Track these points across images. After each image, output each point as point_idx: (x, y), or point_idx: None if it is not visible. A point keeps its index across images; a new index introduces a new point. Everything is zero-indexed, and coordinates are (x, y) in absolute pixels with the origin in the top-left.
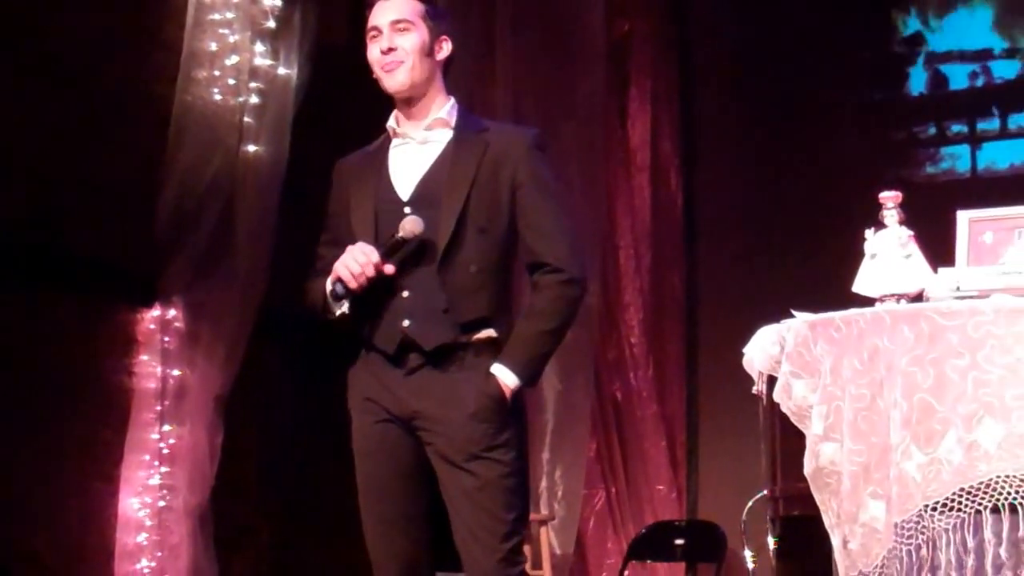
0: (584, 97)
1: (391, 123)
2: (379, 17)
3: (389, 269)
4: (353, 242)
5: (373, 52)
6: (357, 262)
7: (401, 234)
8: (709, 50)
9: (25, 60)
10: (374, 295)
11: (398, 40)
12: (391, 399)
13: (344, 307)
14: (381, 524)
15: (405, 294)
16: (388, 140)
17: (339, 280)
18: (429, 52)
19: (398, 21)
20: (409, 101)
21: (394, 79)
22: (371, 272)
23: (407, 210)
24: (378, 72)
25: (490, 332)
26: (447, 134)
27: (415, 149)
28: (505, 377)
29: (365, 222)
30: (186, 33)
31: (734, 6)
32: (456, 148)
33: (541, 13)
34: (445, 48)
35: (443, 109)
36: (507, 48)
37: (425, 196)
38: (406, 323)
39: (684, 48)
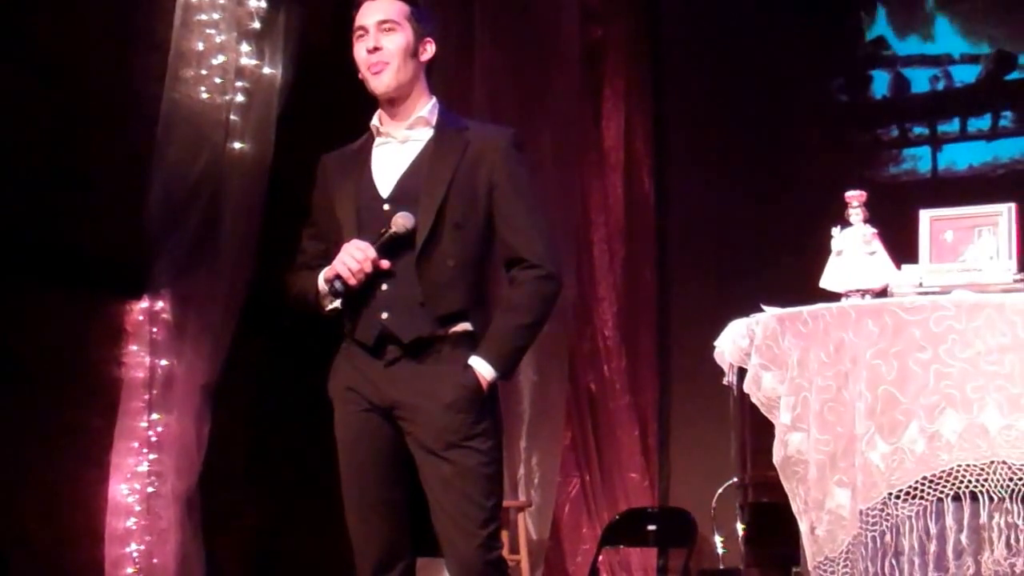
0: (559, 98)
1: (375, 122)
2: (365, 17)
3: (384, 264)
4: (338, 237)
5: (359, 52)
6: (355, 259)
7: (394, 229)
8: (680, 54)
9: (16, 58)
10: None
11: (384, 40)
12: (371, 389)
13: (337, 303)
14: (362, 510)
15: (384, 287)
16: (371, 138)
17: (338, 277)
18: (414, 53)
19: (384, 21)
20: (393, 101)
21: (380, 81)
22: (369, 268)
23: (386, 207)
24: (364, 72)
25: (466, 325)
26: (428, 133)
27: (397, 148)
28: (482, 369)
29: (348, 218)
30: (174, 33)
31: (704, 11)
32: (436, 146)
33: (518, 18)
34: (429, 49)
35: (425, 108)
36: (485, 52)
37: (404, 193)
38: (384, 315)
39: (656, 51)
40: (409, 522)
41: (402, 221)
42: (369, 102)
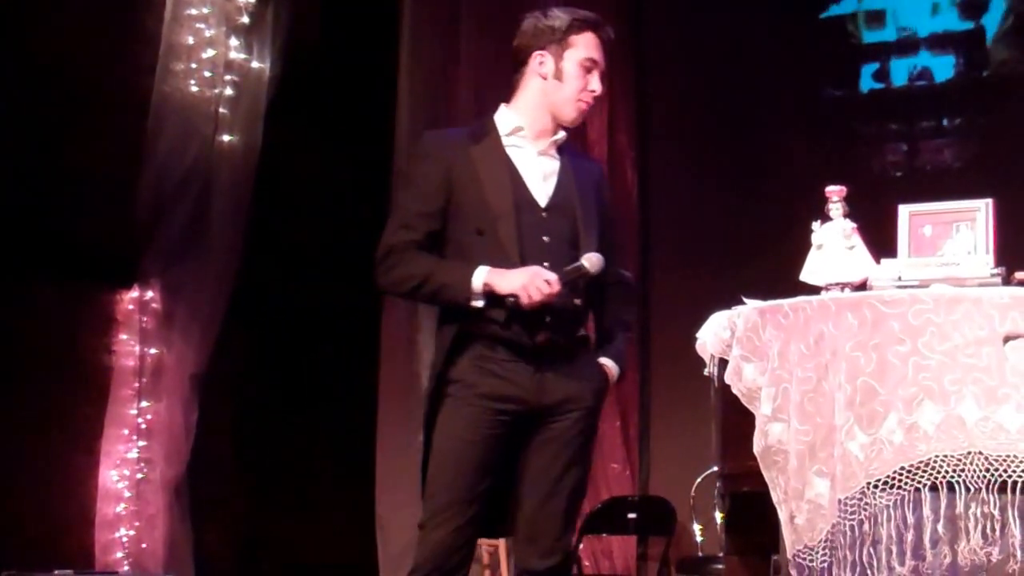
0: None
1: (515, 121)
2: (602, 57)
3: (560, 294)
4: (484, 226)
5: (580, 79)
6: (541, 292)
7: (589, 269)
8: (663, 48)
9: (7, 51)
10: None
11: (600, 87)
12: (515, 393)
13: (482, 302)
14: (457, 505)
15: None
16: (496, 138)
17: (514, 296)
18: None
19: (605, 73)
20: (560, 126)
21: (581, 116)
22: (549, 301)
23: (544, 215)
24: (572, 92)
25: (584, 331)
26: (555, 153)
27: (536, 158)
28: (613, 369)
29: (506, 215)
30: (164, 27)
31: (687, 5)
32: (573, 167)
33: (504, 11)
34: None
35: (561, 134)
36: (472, 49)
37: (558, 206)
38: (548, 319)
39: (639, 47)
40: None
41: (596, 262)
42: (356, 97)
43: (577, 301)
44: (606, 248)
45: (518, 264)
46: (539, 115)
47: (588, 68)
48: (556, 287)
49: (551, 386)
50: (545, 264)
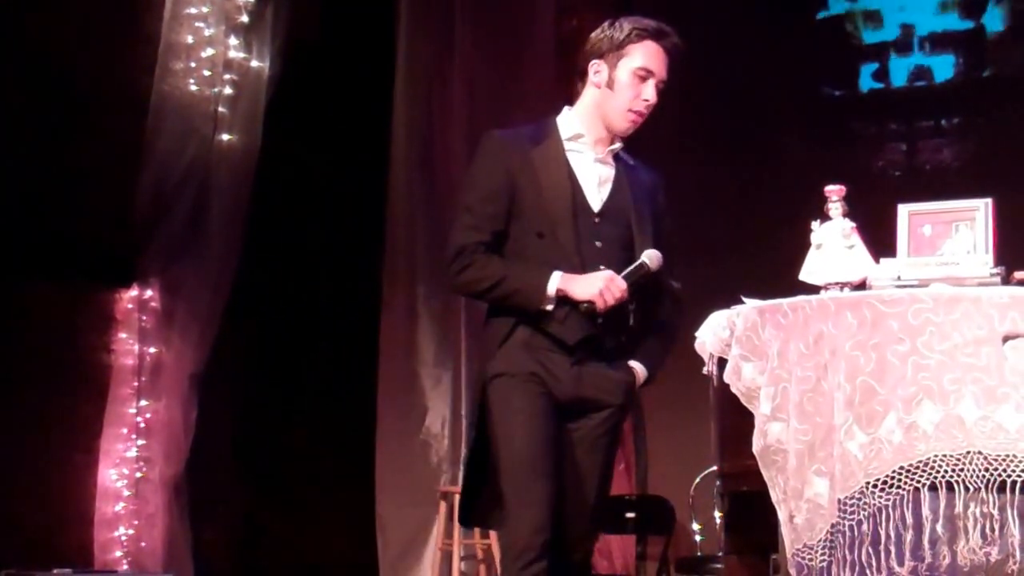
0: (535, 89)
1: (575, 127)
2: (660, 67)
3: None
4: (543, 228)
5: (634, 87)
6: (614, 296)
7: (648, 264)
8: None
9: (6, 50)
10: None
11: (655, 96)
12: (554, 382)
13: (552, 305)
14: (542, 474)
15: None
16: (558, 140)
17: (592, 303)
18: None
19: (664, 81)
20: (617, 136)
21: (634, 126)
22: (620, 301)
23: (597, 220)
24: (624, 101)
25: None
26: (611, 162)
27: (594, 164)
28: (640, 371)
29: (564, 220)
30: (164, 26)
31: (685, 6)
32: (628, 176)
33: (496, 11)
34: None
35: (618, 144)
36: (468, 50)
37: (612, 212)
38: (600, 320)
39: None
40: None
41: (655, 258)
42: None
43: (632, 306)
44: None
45: (579, 268)
46: (595, 123)
47: (643, 77)
48: (624, 292)
49: (586, 382)
50: (600, 267)
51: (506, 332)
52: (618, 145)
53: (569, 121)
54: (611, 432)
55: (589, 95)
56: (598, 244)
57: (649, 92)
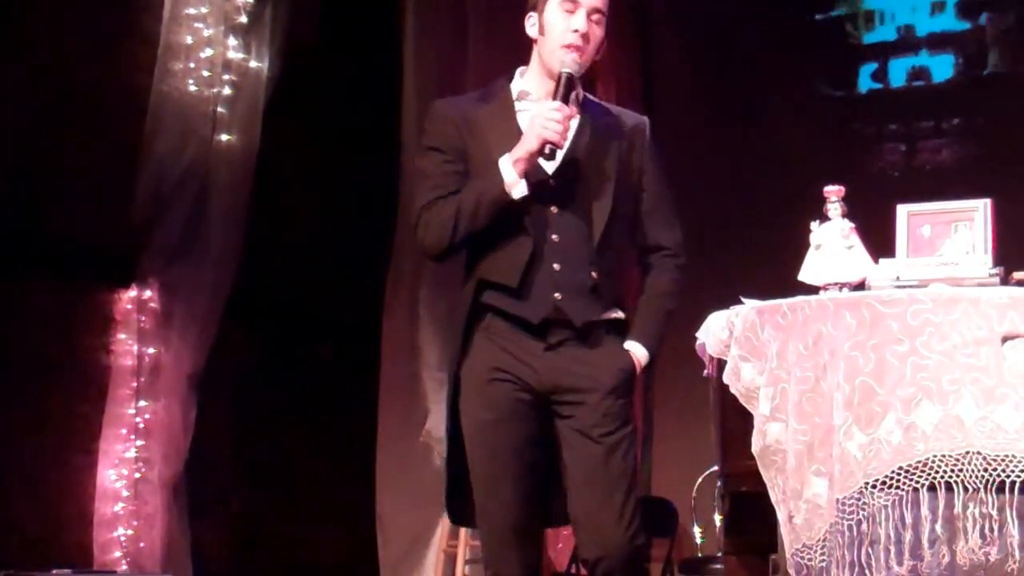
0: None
1: (522, 85)
2: None
3: (571, 111)
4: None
5: (560, 21)
6: (555, 120)
7: (569, 71)
8: (669, 48)
9: (7, 50)
10: (523, 266)
11: (591, 29)
12: (528, 372)
13: (525, 188)
14: (496, 489)
15: (556, 267)
16: (507, 99)
17: (547, 143)
18: (598, 49)
19: (598, 10)
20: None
21: (571, 60)
22: (566, 123)
23: (552, 183)
24: (555, 39)
25: (619, 312)
26: (575, 111)
27: None
28: (639, 353)
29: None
30: (163, 27)
31: (686, 9)
32: (591, 127)
33: (511, 15)
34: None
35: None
36: (480, 48)
37: (570, 171)
38: (558, 296)
39: (646, 45)
40: (540, 497)
41: (569, 62)
42: (356, 98)
43: (594, 274)
44: (627, 211)
45: (530, 229)
46: (542, 77)
47: (570, 11)
48: (565, 110)
49: (564, 368)
50: (554, 238)
51: (468, 322)
52: (576, 94)
53: (517, 81)
54: (611, 419)
55: (533, 51)
56: (553, 210)
57: (577, 21)
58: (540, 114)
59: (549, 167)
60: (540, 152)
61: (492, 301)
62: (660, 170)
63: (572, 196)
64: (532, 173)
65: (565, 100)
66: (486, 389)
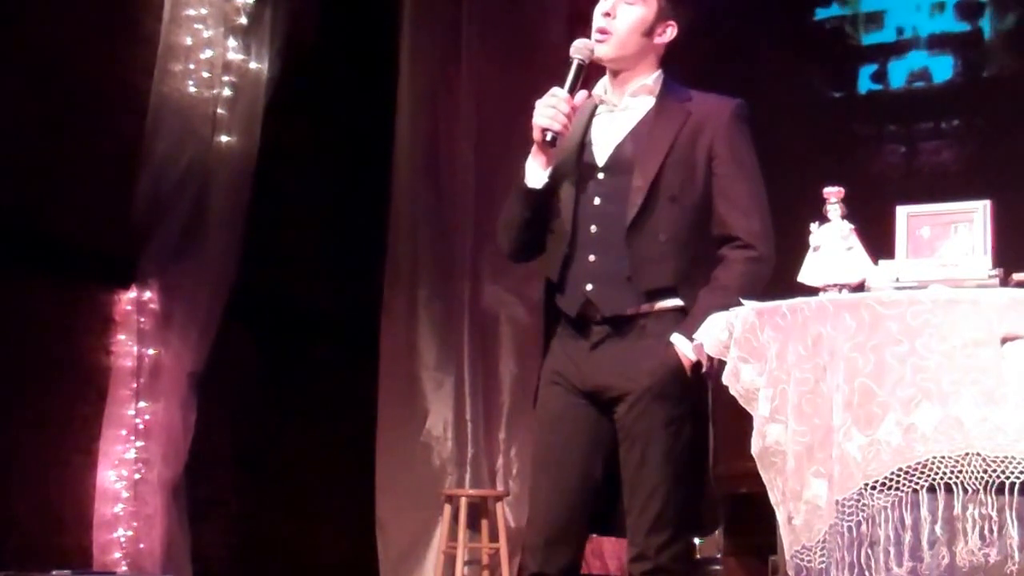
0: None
1: (598, 90)
2: None
3: (579, 98)
4: (558, 200)
5: (597, 10)
6: (550, 106)
7: (579, 57)
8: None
9: (7, 50)
10: (562, 259)
11: (620, 10)
12: (576, 373)
13: (546, 176)
14: (550, 491)
15: (591, 258)
16: (594, 106)
17: (545, 130)
18: (648, 32)
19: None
20: (614, 72)
21: (600, 49)
22: (565, 108)
23: (601, 175)
24: (594, 32)
25: (676, 301)
26: (649, 101)
27: (617, 115)
28: (685, 348)
29: (566, 188)
30: (163, 28)
31: (686, 9)
32: (656, 116)
33: (506, 21)
34: (668, 33)
35: (650, 78)
36: (474, 50)
37: (620, 162)
38: (589, 287)
39: None
40: (595, 506)
41: (580, 47)
42: (358, 100)
43: (628, 263)
44: (687, 199)
45: (570, 224)
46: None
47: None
48: (561, 94)
49: (604, 367)
50: (592, 229)
51: (547, 325)
52: (645, 82)
53: (600, 84)
54: (645, 418)
55: None
56: (596, 202)
57: (596, 16)
58: (545, 98)
59: (600, 159)
60: (542, 140)
61: (556, 300)
62: (737, 156)
63: (617, 187)
64: (586, 165)
65: (572, 89)
66: (543, 393)
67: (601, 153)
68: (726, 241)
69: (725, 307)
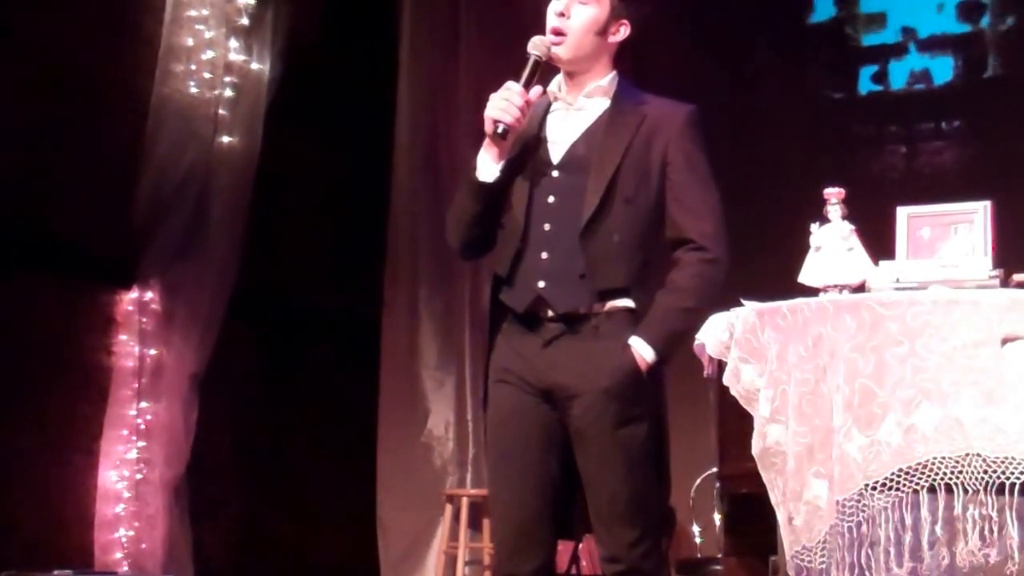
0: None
1: (553, 87)
2: None
3: (534, 94)
4: (510, 195)
5: (550, 11)
6: (503, 98)
7: (536, 52)
8: (662, 52)
9: (7, 50)
10: (513, 255)
11: (574, 10)
12: (528, 370)
13: (497, 170)
14: (505, 491)
15: (544, 255)
16: (548, 103)
17: (497, 122)
18: (602, 31)
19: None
20: (569, 73)
21: (557, 50)
22: (519, 100)
23: (555, 174)
24: (548, 32)
25: (627, 302)
26: (604, 103)
27: (572, 115)
28: (642, 350)
29: (520, 184)
30: (164, 28)
31: (684, 6)
32: (612, 118)
33: (504, 15)
34: (622, 32)
35: (604, 79)
36: (473, 51)
37: (574, 161)
38: (541, 284)
39: (637, 48)
40: (555, 505)
41: (538, 43)
42: (356, 99)
43: (583, 263)
44: (641, 201)
45: (522, 221)
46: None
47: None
48: (515, 87)
49: (559, 366)
50: (545, 227)
51: (492, 322)
52: (599, 83)
53: (554, 81)
54: (604, 420)
55: None
56: (551, 200)
57: (549, 16)
58: (499, 91)
59: (555, 157)
60: (493, 133)
61: (501, 295)
62: (691, 161)
63: (571, 186)
64: (541, 162)
65: (528, 84)
66: (493, 392)
67: (556, 151)
68: (679, 244)
69: (680, 309)
